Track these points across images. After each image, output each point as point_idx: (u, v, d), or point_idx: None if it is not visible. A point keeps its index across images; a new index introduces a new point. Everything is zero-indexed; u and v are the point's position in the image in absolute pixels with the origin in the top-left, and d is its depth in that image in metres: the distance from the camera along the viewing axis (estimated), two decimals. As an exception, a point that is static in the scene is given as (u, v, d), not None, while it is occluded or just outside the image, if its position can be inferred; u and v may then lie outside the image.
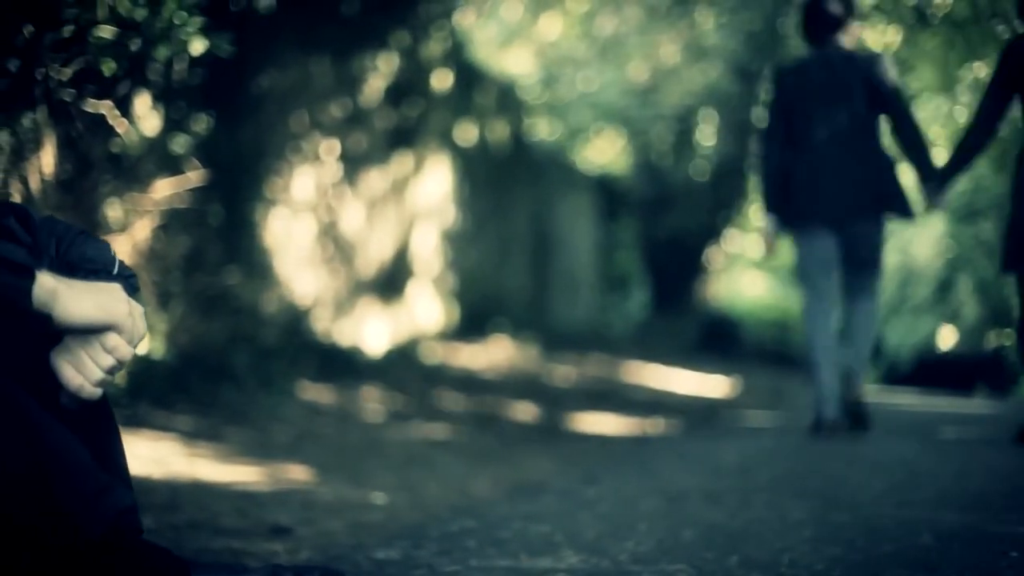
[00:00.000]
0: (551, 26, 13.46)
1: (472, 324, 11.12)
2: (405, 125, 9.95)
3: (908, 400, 10.76)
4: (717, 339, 14.53)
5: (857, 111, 6.10)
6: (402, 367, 8.74)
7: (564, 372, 10.21)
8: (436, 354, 9.81)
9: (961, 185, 15.40)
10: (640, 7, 11.67)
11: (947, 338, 15.41)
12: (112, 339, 1.98)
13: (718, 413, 8.10)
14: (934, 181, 5.91)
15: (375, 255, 9.69)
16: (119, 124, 5.95)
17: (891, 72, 6.13)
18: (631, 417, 7.50)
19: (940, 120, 13.72)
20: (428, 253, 10.58)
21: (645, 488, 4.28)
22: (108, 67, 4.90)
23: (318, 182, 8.72)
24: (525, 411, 7.54)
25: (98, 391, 1.99)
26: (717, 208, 14.87)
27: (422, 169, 10.42)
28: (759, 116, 14.53)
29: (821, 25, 6.14)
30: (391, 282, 9.91)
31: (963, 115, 13.42)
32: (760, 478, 4.68)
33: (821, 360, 6.08)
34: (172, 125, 6.80)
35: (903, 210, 6.17)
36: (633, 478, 4.60)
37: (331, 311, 8.90)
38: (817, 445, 5.95)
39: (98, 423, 2.05)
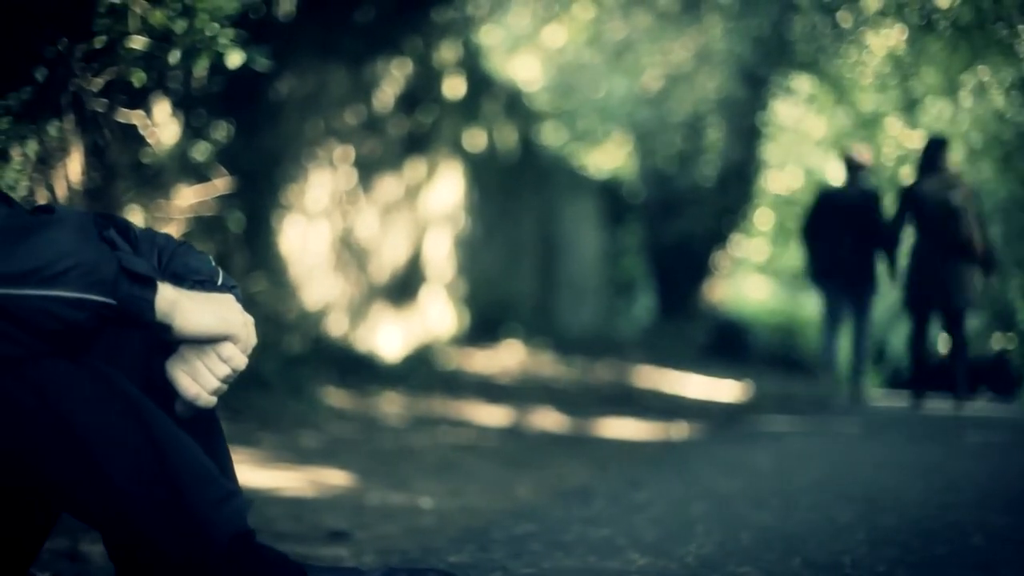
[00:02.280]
0: (558, 32, 13.50)
1: (482, 329, 11.17)
2: (418, 131, 10.01)
3: (912, 403, 10.79)
4: (725, 343, 14.55)
5: (860, 222, 9.50)
6: (420, 372, 8.79)
7: (577, 377, 10.26)
8: (451, 359, 9.85)
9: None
10: (649, 13, 11.71)
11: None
12: (228, 349, 2.02)
13: (738, 417, 8.16)
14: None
15: (389, 261, 9.74)
16: (150, 134, 5.98)
17: (882, 202, 9.84)
18: (651, 421, 7.55)
19: (943, 123, 13.79)
20: (440, 258, 10.62)
21: (690, 492, 4.33)
22: (139, 78, 4.91)
23: (333, 188, 8.77)
24: (547, 416, 7.58)
25: (213, 400, 2.03)
26: (723, 213, 14.89)
27: (434, 175, 10.47)
28: (758, 119, 14.61)
29: (852, 170, 9.83)
30: (404, 287, 9.96)
31: (966, 120, 13.50)
32: (798, 482, 4.74)
33: (828, 357, 10.20)
34: (193, 133, 6.83)
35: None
36: (676, 482, 4.65)
37: (347, 317, 8.95)
38: (847, 450, 6.02)
39: (208, 430, 2.10)
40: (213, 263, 2.20)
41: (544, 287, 13.48)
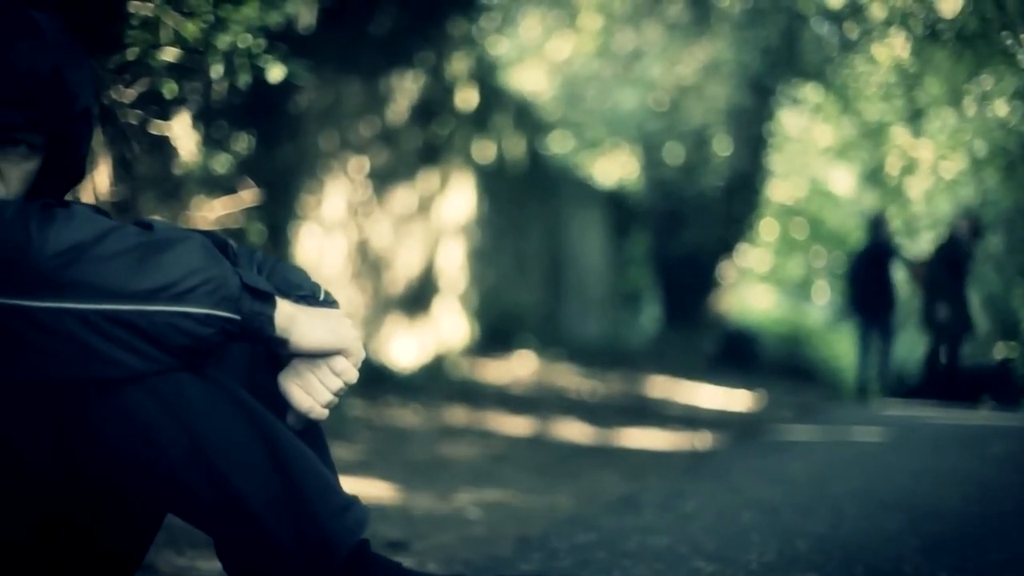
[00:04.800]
0: (566, 43, 13.56)
1: (491, 339, 11.21)
2: (431, 143, 10.06)
3: (926, 412, 10.86)
4: (734, 353, 14.61)
5: (883, 269, 12.78)
6: (440, 383, 8.83)
7: (592, 387, 10.31)
8: (465, 370, 9.90)
9: (969, 199, 15.59)
10: (659, 24, 11.78)
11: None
12: (341, 363, 2.06)
13: (758, 427, 8.20)
14: None
15: (403, 271, 9.79)
16: (181, 146, 6.02)
17: (895, 251, 13.11)
18: (673, 431, 7.60)
19: (946, 132, 13.87)
20: (453, 269, 10.67)
21: (736, 501, 4.37)
22: (170, 89, 4.93)
23: (348, 200, 8.81)
24: (569, 426, 7.63)
25: (326, 413, 2.07)
26: (729, 222, 14.94)
27: (447, 187, 10.52)
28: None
29: (876, 231, 13.02)
30: (418, 298, 10.01)
31: (970, 129, 13.57)
32: (839, 491, 4.78)
33: (862, 364, 12.89)
34: (214, 145, 6.87)
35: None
36: (719, 492, 4.69)
37: (362, 327, 8.98)
38: (876, 459, 6.07)
39: (316, 442, 2.14)
40: (312, 278, 2.25)
41: (552, 297, 13.52)
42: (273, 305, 1.98)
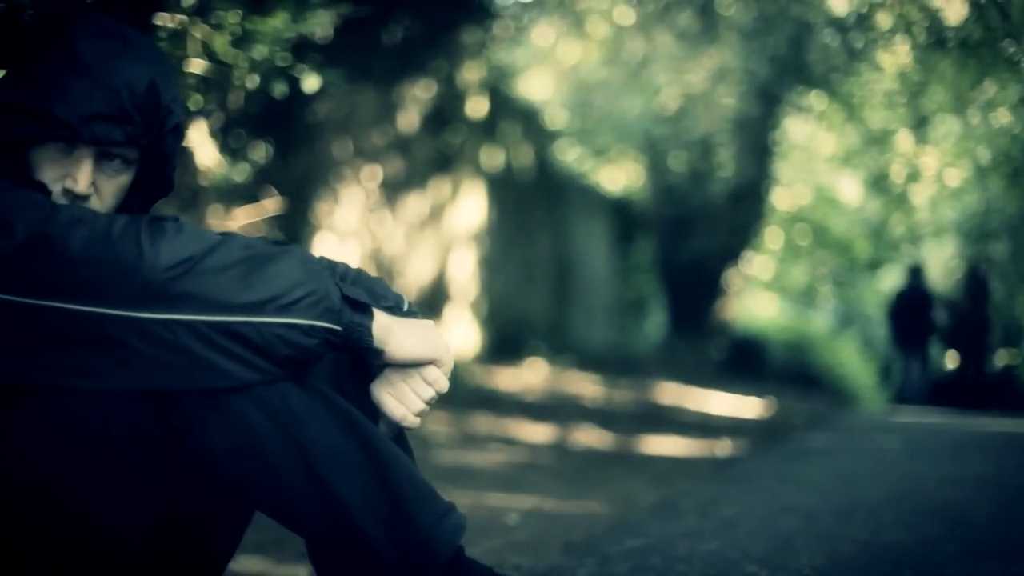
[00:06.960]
0: (574, 50, 13.62)
1: (499, 347, 11.25)
2: (443, 151, 10.10)
3: (933, 419, 10.92)
4: (740, 360, 14.66)
5: (921, 308, 14.74)
6: (459, 391, 8.86)
7: (604, 394, 10.35)
8: (477, 377, 9.93)
9: (973, 206, 15.68)
10: (667, 32, 11.82)
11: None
12: (433, 372, 2.10)
13: (777, 434, 8.25)
14: None
15: (415, 279, 9.83)
16: (203, 156, 6.07)
17: (932, 295, 15.43)
18: (693, 438, 7.63)
19: (951, 139, 13.92)
20: (464, 277, 10.71)
21: (773, 508, 4.42)
22: (195, 101, 4.96)
23: (361, 208, 8.86)
24: (589, 433, 7.67)
25: (418, 421, 2.12)
26: (735, 230, 14.96)
27: (457, 195, 10.57)
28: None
29: (913, 278, 15.35)
30: (430, 306, 10.04)
31: (973, 137, 13.61)
32: (870, 497, 4.83)
33: (907, 379, 14.97)
34: (231, 154, 6.90)
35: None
36: (755, 498, 4.74)
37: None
38: (901, 465, 6.12)
39: (403, 449, 2.19)
40: (394, 289, 2.29)
41: (559, 304, 13.56)
42: (371, 316, 2.03)
